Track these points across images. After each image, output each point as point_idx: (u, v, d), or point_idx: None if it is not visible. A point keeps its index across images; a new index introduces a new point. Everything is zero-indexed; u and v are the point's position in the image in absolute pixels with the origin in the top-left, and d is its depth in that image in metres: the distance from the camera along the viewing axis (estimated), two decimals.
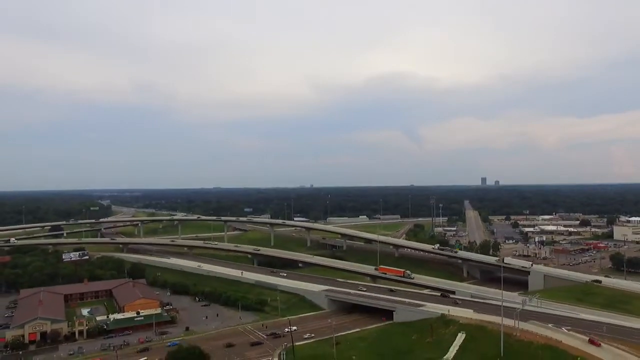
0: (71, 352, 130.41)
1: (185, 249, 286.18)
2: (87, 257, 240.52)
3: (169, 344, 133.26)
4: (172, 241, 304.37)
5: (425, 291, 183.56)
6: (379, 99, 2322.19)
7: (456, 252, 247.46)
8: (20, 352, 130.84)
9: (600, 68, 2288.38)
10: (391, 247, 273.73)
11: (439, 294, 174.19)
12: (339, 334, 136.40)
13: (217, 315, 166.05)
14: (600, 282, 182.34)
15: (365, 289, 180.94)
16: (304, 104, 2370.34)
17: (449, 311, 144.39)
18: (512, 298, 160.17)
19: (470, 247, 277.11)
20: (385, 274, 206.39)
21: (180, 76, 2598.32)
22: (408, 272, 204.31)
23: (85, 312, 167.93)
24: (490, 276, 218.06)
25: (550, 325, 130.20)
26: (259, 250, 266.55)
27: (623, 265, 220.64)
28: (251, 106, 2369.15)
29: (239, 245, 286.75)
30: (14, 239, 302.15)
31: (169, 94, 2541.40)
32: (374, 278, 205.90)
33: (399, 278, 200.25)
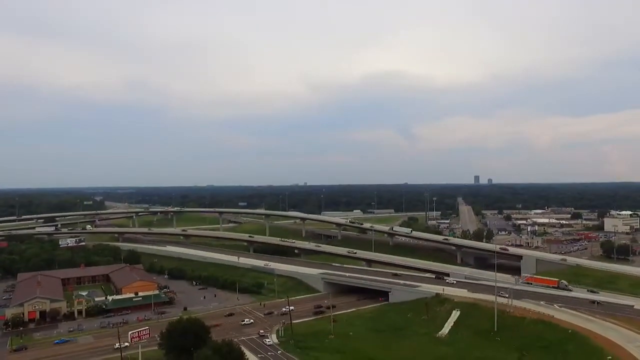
0: (71, 329, 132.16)
1: (182, 237, 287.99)
2: (83, 243, 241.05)
3: (55, 342, 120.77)
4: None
5: (426, 275, 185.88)
6: (373, 98, 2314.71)
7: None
8: (21, 329, 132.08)
9: (593, 68, 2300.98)
10: (385, 235, 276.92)
11: (434, 276, 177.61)
12: (336, 313, 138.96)
13: (215, 296, 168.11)
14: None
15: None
16: (299, 103, 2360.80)
17: (443, 290, 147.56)
18: (505, 279, 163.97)
19: (464, 236, 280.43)
20: (531, 283, 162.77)
21: (174, 74, 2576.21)
22: (564, 282, 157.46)
23: (83, 294, 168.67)
24: (484, 263, 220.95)
25: (542, 302, 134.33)
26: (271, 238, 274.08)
27: (613, 252, 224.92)
28: (245, 104, 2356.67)
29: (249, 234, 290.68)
30: (89, 225, 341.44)
31: (163, 91, 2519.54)
32: (369, 263, 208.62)
33: (552, 290, 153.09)
